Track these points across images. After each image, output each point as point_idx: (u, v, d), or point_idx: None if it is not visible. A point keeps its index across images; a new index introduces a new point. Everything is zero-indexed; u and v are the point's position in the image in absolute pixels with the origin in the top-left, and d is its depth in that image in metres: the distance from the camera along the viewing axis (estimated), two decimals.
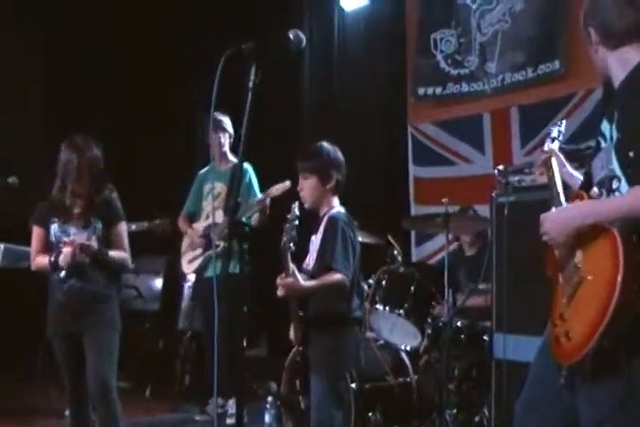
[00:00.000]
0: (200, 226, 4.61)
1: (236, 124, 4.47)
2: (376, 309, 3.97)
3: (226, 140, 4.58)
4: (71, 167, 3.01)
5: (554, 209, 1.95)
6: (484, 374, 3.41)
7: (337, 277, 2.71)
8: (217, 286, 2.42)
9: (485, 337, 3.63)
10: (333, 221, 2.82)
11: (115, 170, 3.20)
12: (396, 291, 3.97)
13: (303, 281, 2.69)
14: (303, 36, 2.05)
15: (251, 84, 1.97)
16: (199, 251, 4.58)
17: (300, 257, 2.91)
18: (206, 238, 4.53)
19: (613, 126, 1.82)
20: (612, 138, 1.84)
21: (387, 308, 3.96)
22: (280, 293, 2.70)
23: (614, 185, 1.82)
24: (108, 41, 6.06)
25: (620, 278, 1.60)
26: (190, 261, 4.64)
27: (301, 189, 2.91)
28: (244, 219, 4.20)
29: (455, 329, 3.74)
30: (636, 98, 1.77)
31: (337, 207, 2.91)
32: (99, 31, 6.03)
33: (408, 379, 3.71)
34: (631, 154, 1.74)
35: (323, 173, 2.85)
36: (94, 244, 2.98)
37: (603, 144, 1.90)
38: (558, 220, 1.86)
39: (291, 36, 2.02)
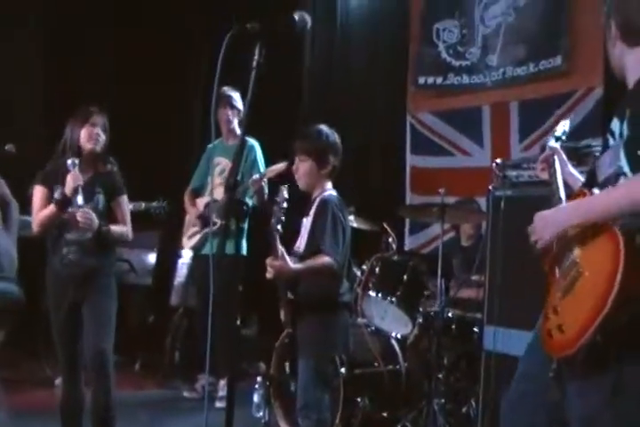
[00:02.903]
0: (202, 202, 4.57)
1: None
2: (368, 295, 3.96)
3: (234, 117, 4.50)
4: (76, 144, 2.99)
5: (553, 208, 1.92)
6: (473, 365, 3.40)
7: (325, 260, 2.70)
8: (212, 265, 2.35)
9: (476, 329, 3.61)
10: (325, 204, 2.81)
11: (113, 147, 3.15)
12: (389, 278, 3.96)
13: (292, 264, 2.68)
14: (308, 18, 2.03)
15: (255, 64, 1.96)
16: (197, 228, 4.56)
17: (292, 239, 2.92)
18: (203, 218, 4.50)
19: (624, 124, 1.79)
20: (621, 135, 1.81)
21: (379, 294, 3.95)
22: (269, 275, 2.70)
23: (621, 182, 1.79)
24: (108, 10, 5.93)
25: (619, 276, 1.58)
26: (189, 238, 4.62)
27: (297, 170, 2.90)
28: (247, 199, 4.20)
29: (446, 319, 3.73)
30: None
31: (329, 191, 2.89)
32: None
33: (397, 366, 3.70)
34: (639, 153, 1.72)
35: (319, 157, 2.84)
36: (96, 221, 2.93)
37: (611, 142, 1.87)
38: (548, 219, 1.85)
39: (296, 18, 1.99)
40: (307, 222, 2.89)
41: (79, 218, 2.87)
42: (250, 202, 4.24)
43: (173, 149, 6.03)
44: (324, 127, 2.90)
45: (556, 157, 2.19)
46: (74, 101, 3.34)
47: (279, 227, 2.61)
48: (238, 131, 4.49)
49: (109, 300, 2.99)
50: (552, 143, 2.28)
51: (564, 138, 2.34)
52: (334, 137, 2.89)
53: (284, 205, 2.62)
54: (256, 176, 4.12)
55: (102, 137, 3.02)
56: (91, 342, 2.89)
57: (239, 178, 4.25)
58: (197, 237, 4.55)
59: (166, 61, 6.00)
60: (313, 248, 2.78)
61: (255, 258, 3.87)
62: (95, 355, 2.88)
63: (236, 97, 4.47)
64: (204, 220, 4.50)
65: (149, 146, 5.91)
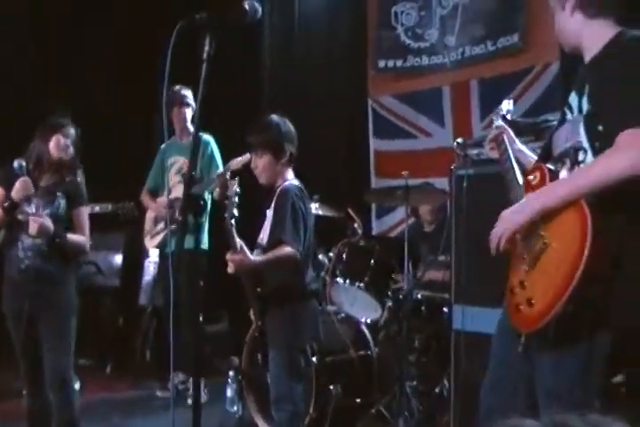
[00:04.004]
0: (164, 200, 4.52)
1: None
2: (336, 282, 3.98)
3: (189, 115, 4.50)
4: (44, 150, 3.00)
5: (511, 195, 1.96)
6: (444, 345, 3.42)
7: (286, 249, 2.71)
8: (172, 262, 2.46)
9: (445, 309, 3.65)
10: (284, 194, 2.82)
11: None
12: (357, 264, 3.97)
13: (252, 256, 2.68)
14: (259, 7, 1.98)
15: (205, 55, 1.91)
16: (161, 226, 4.52)
17: (257, 233, 2.93)
18: (173, 210, 4.46)
19: (584, 99, 1.80)
20: (580, 110, 1.81)
21: (347, 281, 3.97)
22: (230, 269, 2.70)
23: (580, 157, 1.80)
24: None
25: (587, 244, 1.59)
26: (153, 237, 4.59)
27: (256, 166, 2.90)
28: (206, 193, 4.13)
29: (415, 301, 3.76)
30: (609, 73, 1.74)
31: (290, 180, 2.90)
32: None
33: (369, 352, 3.72)
34: (600, 128, 1.72)
35: (276, 149, 2.84)
36: (50, 227, 2.89)
37: (569, 116, 1.87)
38: (508, 218, 1.87)
39: (246, 6, 1.95)
40: (269, 214, 2.89)
41: (31, 222, 2.86)
42: (209, 197, 4.18)
43: (135, 150, 5.91)
44: (274, 117, 2.90)
45: (504, 136, 2.21)
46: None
47: (232, 221, 2.60)
48: (191, 128, 4.48)
49: (67, 315, 2.94)
50: (499, 122, 2.30)
51: (508, 116, 2.36)
52: (286, 125, 2.89)
53: (236, 199, 2.60)
54: (220, 170, 4.11)
55: (71, 149, 3.06)
56: (49, 363, 2.87)
57: (197, 173, 4.15)
58: (161, 236, 4.52)
59: (125, 60, 5.90)
60: (275, 240, 2.78)
61: (220, 253, 3.92)
62: (54, 375, 2.87)
63: (189, 95, 4.45)
64: (170, 216, 4.44)
65: (113, 146, 5.85)
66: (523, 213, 1.82)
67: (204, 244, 4.34)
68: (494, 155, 2.23)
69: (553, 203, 1.73)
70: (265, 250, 2.80)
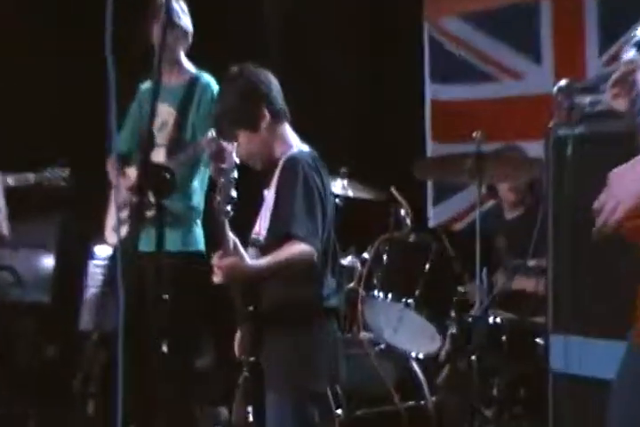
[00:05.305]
0: (134, 173, 4.51)
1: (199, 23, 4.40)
2: (373, 296, 3.97)
3: (179, 41, 4.40)
4: None
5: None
6: (536, 394, 3.43)
7: (298, 248, 2.73)
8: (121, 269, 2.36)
9: (538, 340, 3.64)
10: (290, 165, 2.87)
11: None
12: (404, 270, 4.00)
13: (250, 259, 2.72)
14: None
15: None
16: (127, 212, 4.41)
17: (250, 224, 2.97)
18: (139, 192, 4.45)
19: None
20: None
21: (389, 295, 3.96)
22: (217, 278, 2.76)
23: None
24: None
25: None
26: (115, 228, 4.49)
27: (238, 152, 2.92)
28: (202, 168, 4.24)
29: (492, 327, 3.74)
30: None
31: (295, 146, 2.97)
32: None
33: (422, 402, 3.72)
34: None
35: (245, 121, 2.95)
36: None
37: None
38: (627, 183, 1.87)
39: None
40: (269, 196, 2.94)
41: None
42: (206, 172, 4.27)
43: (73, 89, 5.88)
44: (234, 75, 3.02)
45: (638, 75, 2.17)
46: None
47: (228, 208, 2.65)
48: (186, 63, 4.46)
49: None
50: (631, 55, 2.26)
51: None
52: (257, 77, 2.99)
53: (234, 175, 2.66)
54: (213, 131, 3.96)
55: None
56: None
57: (186, 133, 4.24)
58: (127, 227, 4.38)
59: None
60: (278, 232, 2.81)
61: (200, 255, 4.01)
62: None
63: (181, 9, 4.37)
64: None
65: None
66: None
67: (196, 244, 4.35)
68: (619, 105, 2.21)
69: None
70: (265, 249, 2.83)
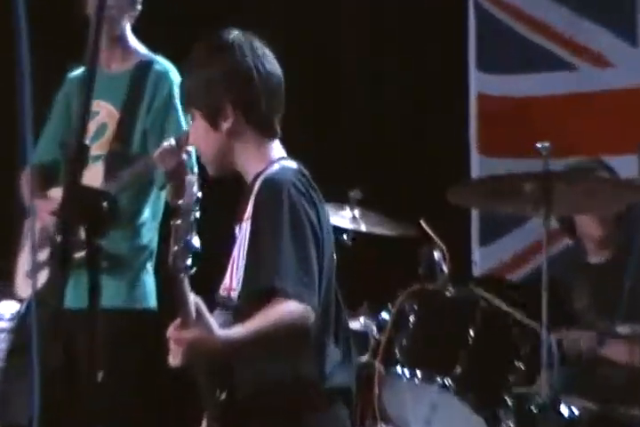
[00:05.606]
0: (59, 195, 4.15)
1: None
2: (395, 374, 3.87)
3: (123, 8, 4.28)
4: None
5: None
6: None
7: (287, 308, 2.63)
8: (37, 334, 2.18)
9: None
10: (270, 190, 2.77)
11: None
12: (439, 337, 3.96)
13: (219, 329, 2.58)
14: None
15: None
16: (47, 252, 4.32)
17: (217, 277, 2.91)
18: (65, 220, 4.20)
19: None
20: None
21: (418, 373, 3.81)
22: (174, 359, 2.59)
23: None
24: None
25: None
26: (31, 274, 4.33)
27: (193, 139, 3.06)
28: (155, 192, 4.18)
29: (568, 419, 3.62)
30: None
31: (277, 162, 2.86)
32: None
33: None
34: None
35: (203, 106, 2.88)
36: None
37: None
38: None
39: None
40: (241, 235, 2.84)
41: None
42: (160, 197, 4.24)
43: None
44: (224, 44, 2.88)
45: None
46: None
47: (188, 261, 2.51)
48: (133, 43, 4.41)
49: None
50: None
51: None
52: (243, 52, 2.85)
53: (195, 213, 2.54)
54: (172, 140, 3.98)
55: None
56: None
57: (135, 144, 4.23)
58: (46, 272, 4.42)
59: None
60: (258, 287, 2.71)
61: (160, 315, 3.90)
62: None
63: None
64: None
65: None
66: None
67: (144, 298, 4.32)
68: None
69: None
70: (238, 312, 2.75)
